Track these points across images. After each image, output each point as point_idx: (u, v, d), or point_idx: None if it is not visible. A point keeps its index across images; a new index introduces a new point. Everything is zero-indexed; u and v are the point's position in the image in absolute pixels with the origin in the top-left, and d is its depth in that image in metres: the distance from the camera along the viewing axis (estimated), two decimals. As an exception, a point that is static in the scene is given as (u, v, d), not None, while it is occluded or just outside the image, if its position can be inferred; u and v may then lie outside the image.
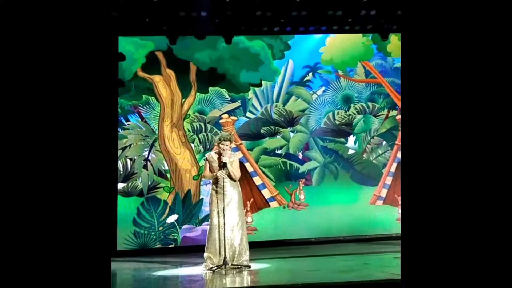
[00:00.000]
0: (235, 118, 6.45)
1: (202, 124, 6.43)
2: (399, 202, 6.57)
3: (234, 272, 4.27)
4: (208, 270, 4.41)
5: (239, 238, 4.46)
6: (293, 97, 6.55)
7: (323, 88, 6.58)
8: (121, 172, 6.21)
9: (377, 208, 6.55)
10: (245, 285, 3.88)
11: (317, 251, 5.65)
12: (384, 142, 6.65)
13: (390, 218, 6.56)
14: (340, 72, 6.60)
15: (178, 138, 6.37)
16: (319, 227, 6.42)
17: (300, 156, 6.54)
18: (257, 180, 6.47)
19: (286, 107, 6.53)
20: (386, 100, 6.66)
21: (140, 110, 6.33)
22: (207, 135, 6.42)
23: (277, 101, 6.53)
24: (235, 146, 6.10)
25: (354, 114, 6.59)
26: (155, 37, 6.25)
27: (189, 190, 6.33)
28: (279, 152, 6.52)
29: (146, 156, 6.31)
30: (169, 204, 6.27)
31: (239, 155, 5.93)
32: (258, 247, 5.53)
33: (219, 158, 4.54)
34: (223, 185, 4.48)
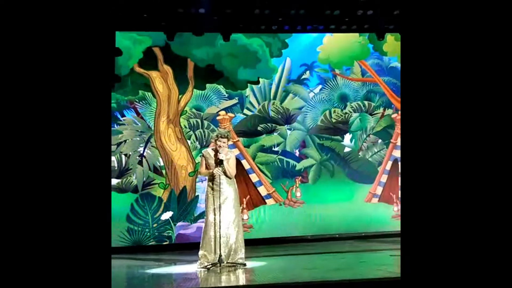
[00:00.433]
0: (232, 115, 6.34)
1: (199, 121, 6.31)
2: (394, 200, 6.53)
3: (229, 270, 4.15)
4: (202, 268, 4.29)
5: (234, 236, 4.35)
6: (290, 95, 6.46)
7: (320, 86, 6.50)
8: (116, 168, 6.07)
9: (372, 205, 6.48)
10: (240, 283, 3.77)
11: (313, 249, 5.57)
12: (380, 140, 6.58)
13: (386, 215, 6.50)
14: (337, 71, 6.52)
15: (174, 134, 6.25)
16: (315, 225, 6.34)
17: (297, 154, 6.45)
18: (253, 177, 6.36)
19: (283, 104, 6.44)
20: (382, 99, 6.59)
21: (136, 106, 6.20)
22: (203, 131, 6.30)
23: (274, 98, 6.43)
24: (232, 143, 5.99)
25: (350, 112, 6.51)
26: (153, 33, 6.12)
27: (184, 187, 6.21)
28: (276, 149, 6.42)
29: (142, 152, 6.18)
30: (164, 200, 6.15)
31: (235, 152, 5.82)
32: (253, 245, 5.45)
33: (215, 155, 4.42)
34: (219, 182, 4.37)
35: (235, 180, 4.53)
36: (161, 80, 6.26)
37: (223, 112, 6.31)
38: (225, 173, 4.40)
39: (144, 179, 6.15)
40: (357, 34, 6.45)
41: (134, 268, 4.78)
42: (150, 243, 6.08)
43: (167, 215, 6.13)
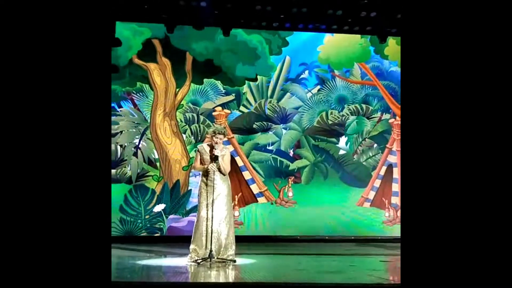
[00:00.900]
0: (229, 111, 6.26)
1: (195, 115, 6.22)
2: (386, 206, 6.48)
3: (219, 266, 4.08)
4: (193, 262, 4.22)
5: (226, 232, 4.29)
6: (288, 94, 6.38)
7: (318, 87, 6.43)
8: (111, 158, 5.98)
9: (364, 210, 6.44)
10: (230, 280, 3.70)
11: (302, 249, 5.50)
12: (376, 145, 6.53)
13: (377, 220, 6.46)
14: (336, 72, 6.45)
15: (170, 127, 6.16)
16: (306, 226, 6.29)
17: (291, 154, 6.38)
18: (246, 175, 6.29)
19: (280, 103, 6.36)
20: (380, 103, 6.53)
21: (133, 97, 6.10)
22: (199, 126, 6.21)
23: (271, 97, 6.35)
24: (226, 139, 5.91)
25: (348, 115, 6.45)
26: (153, 24, 6.03)
27: (177, 181, 6.13)
28: (270, 148, 6.35)
29: (137, 143, 6.09)
30: (157, 193, 6.08)
31: (230, 148, 5.74)
32: (243, 242, 5.37)
33: (211, 151, 4.35)
34: (213, 178, 4.30)
35: (228, 176, 4.47)
36: (159, 72, 6.17)
37: (219, 108, 6.23)
38: (219, 169, 4.33)
39: (139, 170, 6.07)
40: (358, 36, 6.38)
41: (125, 258, 4.69)
42: (142, 234, 6.02)
43: (159, 208, 6.07)
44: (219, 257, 4.22)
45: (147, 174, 6.09)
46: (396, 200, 6.39)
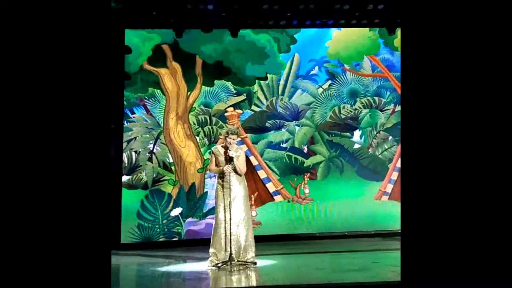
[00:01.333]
0: (241, 111, 6.12)
1: (207, 117, 6.10)
2: (404, 197, 6.26)
3: (240, 269, 3.96)
4: (213, 266, 4.12)
5: (245, 233, 4.18)
6: (299, 91, 6.22)
7: (329, 82, 6.24)
8: (126, 165, 5.91)
9: (382, 203, 6.23)
10: (252, 284, 3.57)
11: (322, 247, 5.35)
12: (390, 137, 6.32)
13: (396, 213, 6.22)
14: (346, 66, 6.26)
15: (183, 130, 6.06)
16: (324, 222, 6.12)
17: (305, 150, 6.22)
18: (261, 174, 6.15)
19: (292, 100, 6.20)
20: (392, 94, 6.32)
21: (145, 103, 6.01)
22: (212, 128, 6.09)
23: (282, 94, 6.20)
24: (240, 139, 5.78)
25: (360, 108, 6.26)
26: (162, 30, 5.93)
27: (193, 183, 6.02)
28: (284, 145, 6.19)
29: (151, 148, 5.99)
30: (173, 197, 5.98)
31: (244, 148, 5.61)
32: (261, 241, 5.23)
33: (225, 152, 4.24)
34: (229, 179, 4.20)
35: (244, 177, 4.36)
36: (170, 77, 6.07)
37: (231, 109, 6.10)
38: (235, 170, 4.22)
39: (154, 175, 5.98)
40: (367, 29, 6.18)
41: (144, 265, 4.60)
42: (160, 239, 5.92)
43: (176, 211, 5.97)
44: (239, 259, 4.11)
45: (163, 178, 6.00)
46: (414, 192, 6.17)
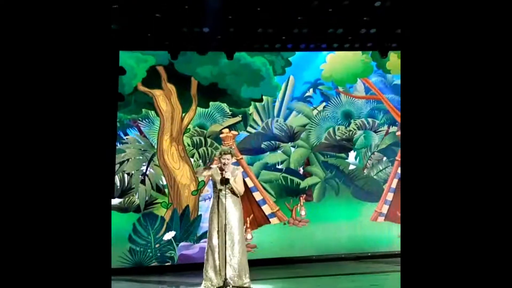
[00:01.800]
0: (236, 133, 6.00)
1: (202, 139, 5.96)
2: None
3: (237, 294, 3.73)
4: (208, 291, 3.88)
5: (239, 258, 4.01)
6: (294, 113, 6.15)
7: (324, 104, 6.20)
8: (118, 187, 5.68)
9: (378, 224, 6.10)
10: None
11: (319, 270, 5.15)
12: (385, 158, 6.25)
13: (392, 234, 6.10)
14: (340, 88, 6.24)
15: (177, 152, 5.88)
16: (320, 244, 5.93)
17: (301, 171, 6.08)
18: (257, 196, 5.97)
19: (287, 122, 6.12)
20: (386, 116, 6.29)
21: (139, 124, 5.85)
22: (207, 149, 5.93)
23: (278, 116, 6.11)
24: (235, 160, 5.63)
25: (355, 129, 6.20)
26: (156, 52, 5.85)
27: (187, 206, 5.80)
28: (279, 167, 6.05)
29: (144, 170, 5.79)
30: (167, 220, 5.73)
31: (240, 169, 5.45)
32: (258, 265, 5.05)
33: (221, 174, 4.12)
34: (224, 202, 4.05)
35: (240, 199, 4.21)
36: (165, 98, 5.95)
37: (226, 130, 5.98)
38: (232, 191, 4.08)
39: (147, 198, 5.75)
40: (360, 52, 6.21)
41: (136, 292, 4.32)
42: (152, 264, 5.64)
43: (169, 235, 5.71)
44: (234, 286, 3.91)
45: (156, 201, 5.78)
46: (410, 213, 6.05)
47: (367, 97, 6.28)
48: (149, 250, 5.66)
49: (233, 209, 4.11)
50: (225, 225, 3.98)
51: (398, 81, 6.34)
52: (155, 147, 5.86)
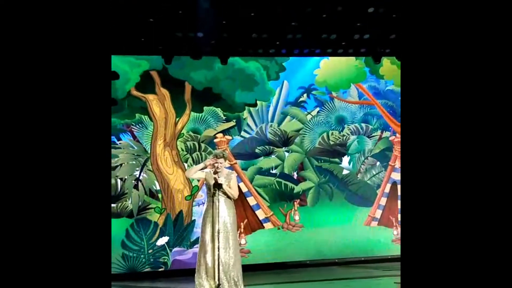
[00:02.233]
0: (230, 137, 5.94)
1: (196, 143, 5.88)
2: (394, 224, 6.12)
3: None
4: (201, 298, 3.79)
5: (232, 263, 3.94)
6: (288, 117, 6.10)
7: (318, 109, 6.16)
8: (111, 192, 5.56)
9: (372, 229, 6.06)
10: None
11: (313, 275, 5.10)
12: (378, 163, 6.22)
13: (386, 239, 6.07)
14: (334, 94, 6.21)
15: (171, 157, 5.80)
16: (314, 249, 5.88)
17: (295, 176, 6.03)
18: (251, 201, 5.90)
19: (281, 127, 6.07)
20: (379, 121, 6.27)
21: (132, 129, 5.77)
22: (200, 154, 5.86)
23: (272, 121, 6.06)
24: (229, 165, 5.55)
25: (348, 134, 6.16)
26: (150, 57, 5.78)
27: (181, 211, 5.71)
28: (273, 172, 6.00)
29: (137, 175, 5.70)
30: (160, 225, 5.64)
31: (235, 173, 5.38)
32: (252, 270, 4.99)
33: (215, 179, 4.05)
34: (218, 206, 3.97)
35: (234, 204, 4.14)
36: (158, 103, 5.87)
37: (220, 135, 5.91)
38: (225, 195, 4.02)
39: (140, 203, 5.66)
40: (353, 58, 6.21)
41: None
42: (146, 270, 5.54)
43: (163, 241, 5.62)
44: (228, 291, 3.82)
45: (149, 206, 5.68)
46: (403, 218, 6.01)
47: (360, 102, 6.26)
48: (142, 256, 5.56)
49: (226, 214, 4.05)
50: (219, 230, 3.91)
51: (391, 87, 6.32)
52: (149, 152, 5.77)
